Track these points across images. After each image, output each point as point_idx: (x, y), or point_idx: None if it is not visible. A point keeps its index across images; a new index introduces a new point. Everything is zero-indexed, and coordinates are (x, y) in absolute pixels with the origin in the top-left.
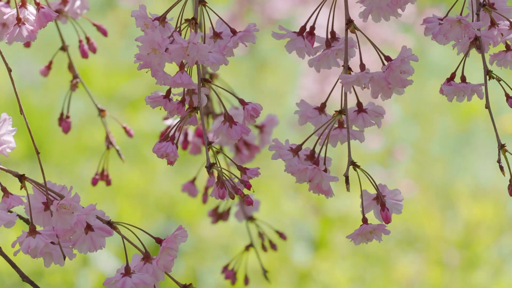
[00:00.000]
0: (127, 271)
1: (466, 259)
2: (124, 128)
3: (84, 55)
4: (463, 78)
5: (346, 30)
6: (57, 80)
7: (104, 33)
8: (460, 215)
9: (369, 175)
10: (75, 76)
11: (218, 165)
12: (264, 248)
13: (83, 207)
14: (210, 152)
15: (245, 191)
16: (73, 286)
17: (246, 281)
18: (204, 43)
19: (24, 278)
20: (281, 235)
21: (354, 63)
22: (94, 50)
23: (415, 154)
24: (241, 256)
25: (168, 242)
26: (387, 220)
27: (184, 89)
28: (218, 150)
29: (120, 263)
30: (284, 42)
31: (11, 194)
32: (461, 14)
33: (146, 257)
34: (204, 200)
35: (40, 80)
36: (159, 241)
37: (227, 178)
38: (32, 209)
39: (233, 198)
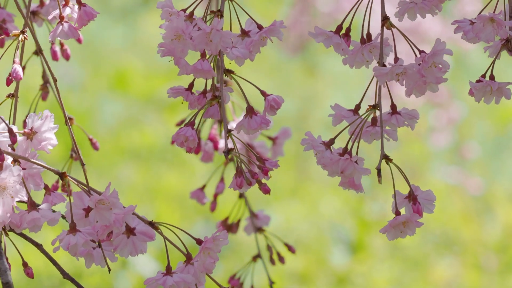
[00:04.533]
0: (168, 271)
1: (504, 263)
2: None
3: (55, 57)
4: (491, 77)
5: (382, 26)
6: (96, 83)
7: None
8: (498, 219)
9: (401, 170)
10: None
11: (236, 151)
12: (272, 261)
13: (124, 207)
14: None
15: (264, 180)
16: None
17: None
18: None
19: (65, 275)
20: (290, 248)
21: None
22: (67, 57)
23: (454, 157)
24: (248, 266)
25: (207, 243)
26: (419, 213)
27: (206, 82)
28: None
29: (159, 266)
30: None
31: (53, 191)
32: (494, 12)
33: (188, 258)
34: (213, 208)
35: (79, 83)
36: (199, 242)
37: (245, 164)
38: (73, 215)
39: (250, 184)
